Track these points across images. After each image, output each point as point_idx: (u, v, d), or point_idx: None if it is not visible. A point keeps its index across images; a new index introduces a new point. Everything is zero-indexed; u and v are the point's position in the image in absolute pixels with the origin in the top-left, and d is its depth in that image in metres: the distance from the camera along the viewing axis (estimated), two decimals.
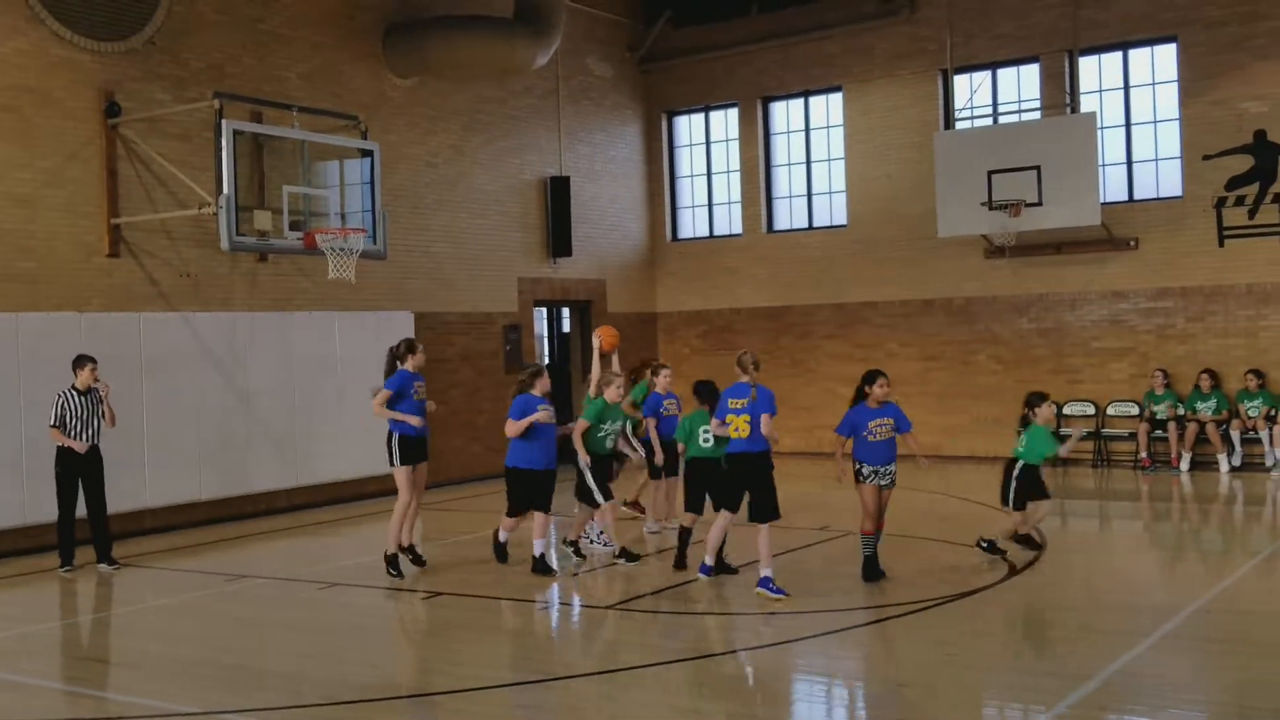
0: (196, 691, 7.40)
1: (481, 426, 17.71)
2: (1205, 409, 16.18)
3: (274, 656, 8.35)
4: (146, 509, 13.48)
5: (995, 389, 18.11)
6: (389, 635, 9.11)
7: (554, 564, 10.60)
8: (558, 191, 19.09)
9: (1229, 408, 16.17)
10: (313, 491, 15.21)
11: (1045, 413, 10.52)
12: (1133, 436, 16.80)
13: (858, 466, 9.75)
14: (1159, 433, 16.55)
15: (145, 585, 10.88)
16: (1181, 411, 16.38)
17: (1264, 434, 15.78)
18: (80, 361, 11.38)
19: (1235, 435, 16.05)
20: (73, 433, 11.26)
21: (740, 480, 9.44)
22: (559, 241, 19.06)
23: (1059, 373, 17.67)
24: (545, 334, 20.91)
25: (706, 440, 10.12)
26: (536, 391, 10.40)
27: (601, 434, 10.72)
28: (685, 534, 10.40)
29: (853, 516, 10.55)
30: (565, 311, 20.58)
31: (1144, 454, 16.56)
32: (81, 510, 11.48)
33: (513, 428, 10.23)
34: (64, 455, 11.28)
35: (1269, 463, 15.72)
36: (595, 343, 11.74)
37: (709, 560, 9.80)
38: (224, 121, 12.90)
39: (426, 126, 17.22)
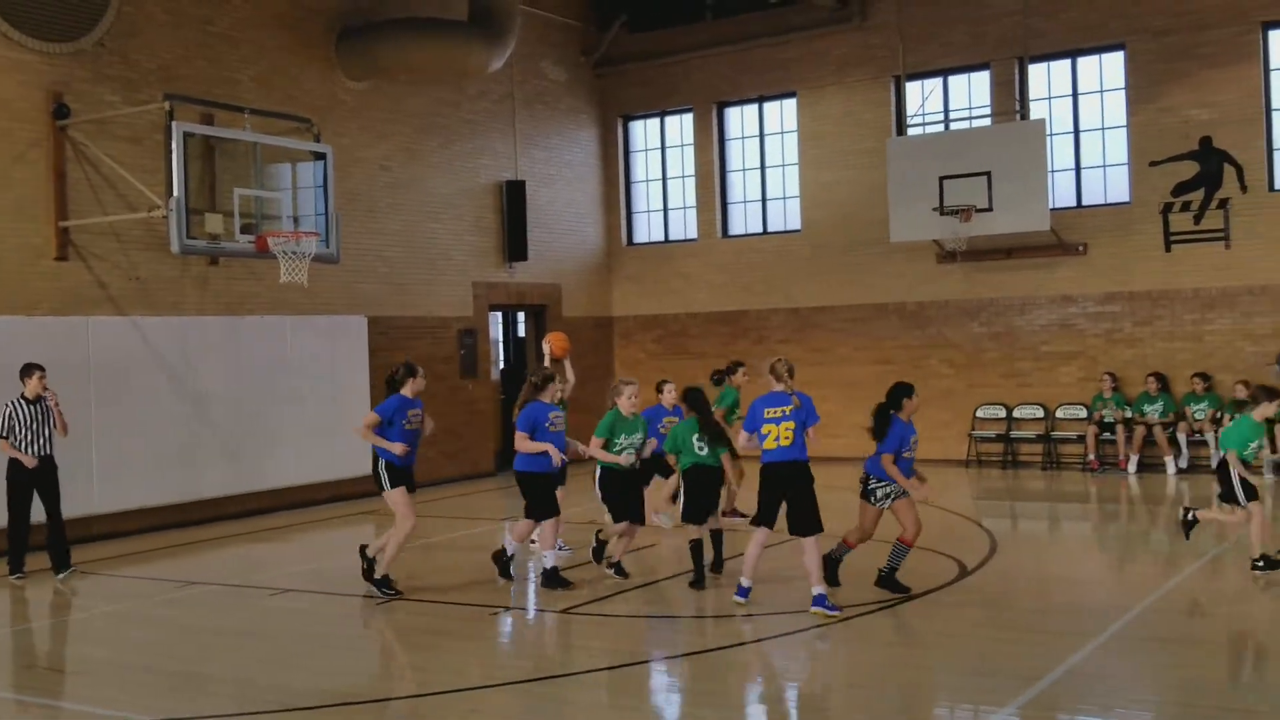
0: (145, 699, 7.32)
1: (436, 431, 17.60)
2: (1152, 412, 16.42)
3: (224, 663, 8.27)
4: (96, 515, 13.29)
5: (948, 392, 18.28)
6: (340, 642, 9.04)
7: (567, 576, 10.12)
8: (513, 195, 19.06)
9: (1175, 410, 16.42)
10: (264, 497, 15.09)
11: (1265, 409, 9.91)
12: (1081, 439, 17.02)
13: (873, 485, 9.34)
14: (1107, 435, 16.78)
15: (95, 592, 10.73)
16: (1129, 414, 16.62)
17: (1210, 436, 16.01)
18: (28, 370, 11.03)
19: (1182, 438, 16.29)
20: (22, 443, 10.99)
21: (778, 491, 8.91)
22: (515, 246, 19.03)
23: (1009, 376, 17.88)
24: (501, 339, 20.85)
25: (702, 449, 9.89)
26: (546, 399, 9.90)
27: (616, 448, 9.99)
28: (699, 547, 9.90)
29: None
30: (521, 316, 20.54)
31: (1092, 456, 16.79)
32: (38, 517, 11.26)
33: (524, 446, 9.72)
34: (16, 464, 11.04)
35: (1215, 465, 15.93)
36: (545, 349, 11.67)
37: (746, 582, 9.07)
38: (174, 124, 12.78)
39: (380, 130, 17.13)
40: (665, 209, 21.24)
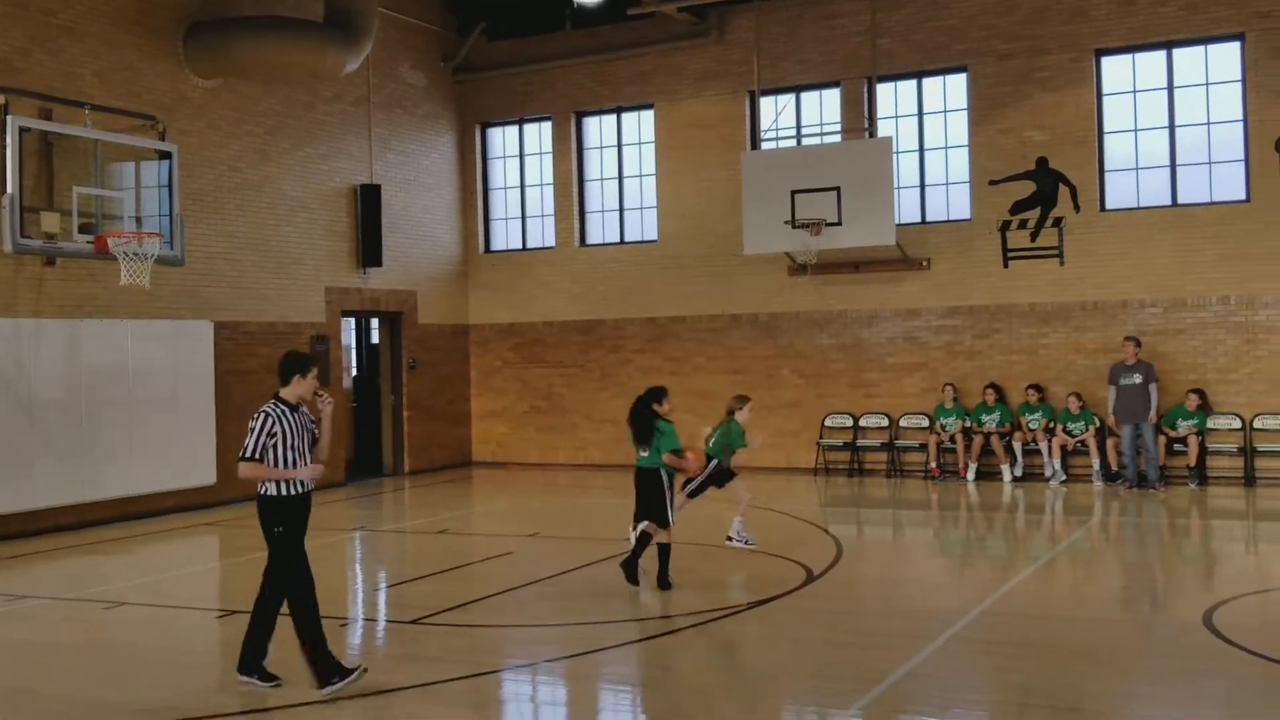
0: None
1: None
2: (990, 422, 17.05)
3: (57, 680, 7.95)
4: None
5: (797, 402, 18.67)
6: (178, 656, 8.76)
7: None
8: (368, 200, 18.78)
9: (1011, 420, 17.08)
10: (102, 508, 14.53)
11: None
12: (923, 448, 17.57)
13: None
14: (948, 444, 17.37)
15: None
16: (968, 424, 17.23)
17: (1043, 446, 16.71)
18: (304, 364, 7.65)
19: (1017, 447, 16.95)
20: (289, 469, 7.42)
21: None
22: (369, 251, 18.74)
23: (856, 386, 18.35)
24: (354, 345, 20.53)
25: (643, 452, 10.08)
26: None
27: None
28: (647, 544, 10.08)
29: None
30: (375, 323, 20.25)
31: (934, 464, 17.35)
32: None
33: None
34: (282, 505, 7.43)
35: (1048, 473, 16.65)
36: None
37: None
38: (10, 117, 12.35)
39: (229, 129, 16.70)
40: (523, 217, 21.20)
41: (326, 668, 7.27)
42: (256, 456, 7.30)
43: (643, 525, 10.07)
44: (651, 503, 10.04)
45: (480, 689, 7.56)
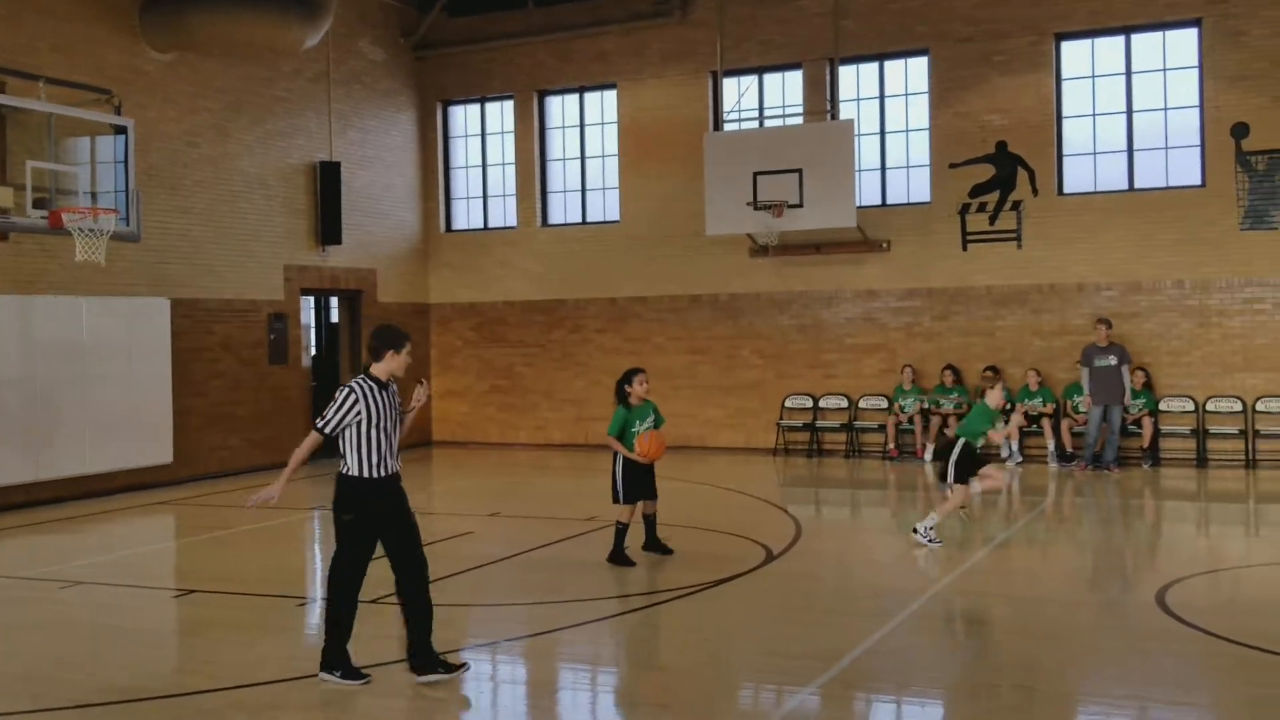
0: None
1: (241, 419, 17.13)
2: (948, 403, 17.20)
3: (13, 659, 7.88)
4: None
5: (757, 382, 18.75)
6: (138, 635, 8.70)
7: None
8: (328, 177, 18.62)
9: (969, 402, 17.21)
10: (56, 486, 14.38)
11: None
12: (882, 429, 17.70)
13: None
14: (906, 425, 17.51)
15: None
16: (926, 405, 17.37)
17: (998, 424, 16.83)
18: (398, 339, 7.08)
19: None
20: (375, 455, 6.92)
21: None
22: (329, 229, 18.60)
23: (815, 367, 18.44)
24: (313, 324, 20.38)
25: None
26: None
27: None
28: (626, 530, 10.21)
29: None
30: (334, 301, 20.11)
31: (892, 445, 17.48)
32: None
33: None
34: (364, 486, 6.96)
35: (1004, 454, 16.82)
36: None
37: None
38: None
39: (186, 104, 16.49)
40: (485, 196, 21.10)
41: (334, 660, 7.07)
42: (327, 432, 6.85)
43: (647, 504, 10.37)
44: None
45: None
